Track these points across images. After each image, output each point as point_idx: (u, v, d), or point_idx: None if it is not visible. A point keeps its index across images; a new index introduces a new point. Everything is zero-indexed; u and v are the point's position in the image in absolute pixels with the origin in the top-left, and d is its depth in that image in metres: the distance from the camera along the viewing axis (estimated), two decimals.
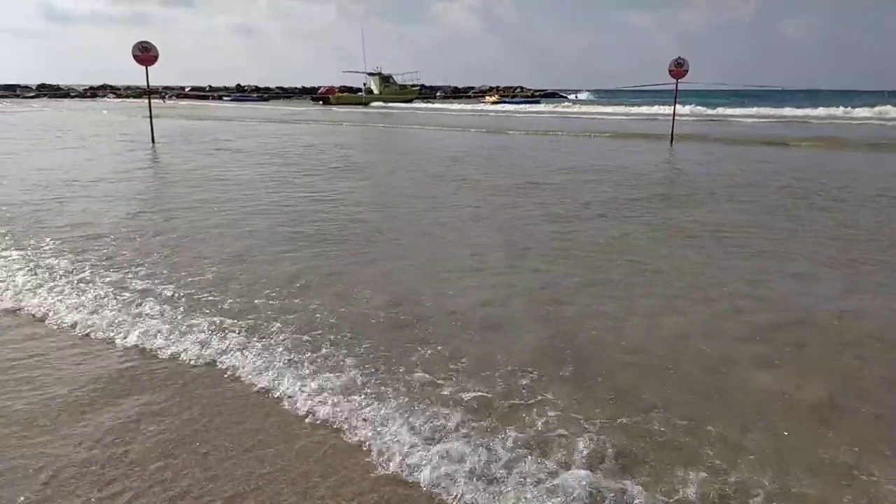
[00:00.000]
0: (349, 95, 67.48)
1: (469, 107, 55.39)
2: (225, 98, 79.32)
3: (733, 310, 4.58)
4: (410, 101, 65.39)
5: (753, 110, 40.47)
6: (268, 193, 9.61)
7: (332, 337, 4.04)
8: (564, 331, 4.18)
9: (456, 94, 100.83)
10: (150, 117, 19.34)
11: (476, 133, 24.60)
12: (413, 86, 69.05)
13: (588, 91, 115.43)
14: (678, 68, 19.70)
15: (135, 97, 79.63)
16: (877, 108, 36.86)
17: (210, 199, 8.99)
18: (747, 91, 67.57)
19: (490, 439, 2.84)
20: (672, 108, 22.79)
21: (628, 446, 2.82)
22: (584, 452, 2.76)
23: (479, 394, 3.30)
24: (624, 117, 35.42)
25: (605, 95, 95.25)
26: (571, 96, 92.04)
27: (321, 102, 66.29)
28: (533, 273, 5.48)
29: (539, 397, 3.28)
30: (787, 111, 38.34)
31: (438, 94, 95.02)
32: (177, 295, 4.80)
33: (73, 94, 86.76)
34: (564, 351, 3.86)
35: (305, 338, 4.01)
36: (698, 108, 40.94)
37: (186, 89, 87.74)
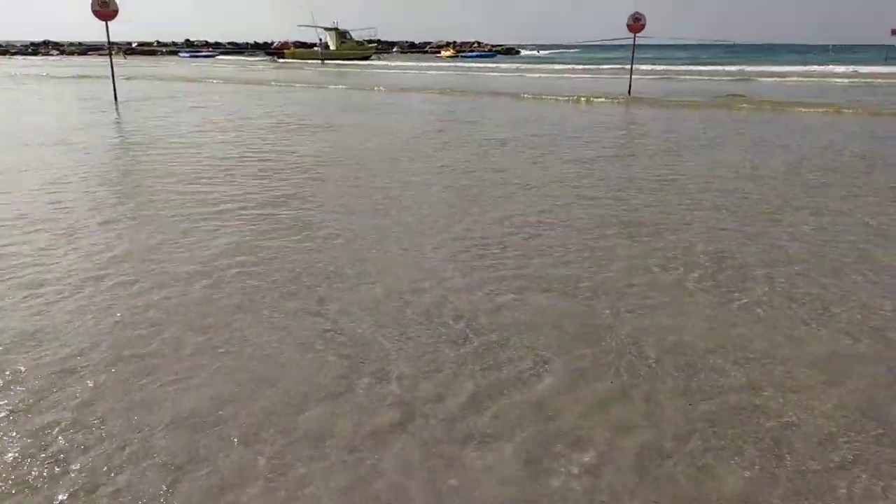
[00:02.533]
0: (304, 51, 66.43)
1: (425, 63, 55.32)
2: (182, 54, 77.24)
3: None
4: (368, 57, 64.86)
5: (711, 68, 41.66)
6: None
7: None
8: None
9: (413, 48, 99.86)
10: (113, 77, 19.24)
11: (437, 96, 24.92)
12: (370, 41, 68.28)
13: (543, 47, 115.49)
14: (636, 23, 20.27)
15: (79, 54, 76.69)
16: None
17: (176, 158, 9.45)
18: (704, 45, 69.24)
19: None
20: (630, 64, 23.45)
21: None
22: None
23: None
24: (586, 76, 36.02)
25: (566, 50, 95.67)
26: (529, 52, 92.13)
27: (275, 58, 65.33)
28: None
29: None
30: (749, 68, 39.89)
31: (395, 49, 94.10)
32: None
33: (12, 50, 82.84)
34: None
35: None
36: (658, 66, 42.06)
37: (133, 45, 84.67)
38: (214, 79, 31.74)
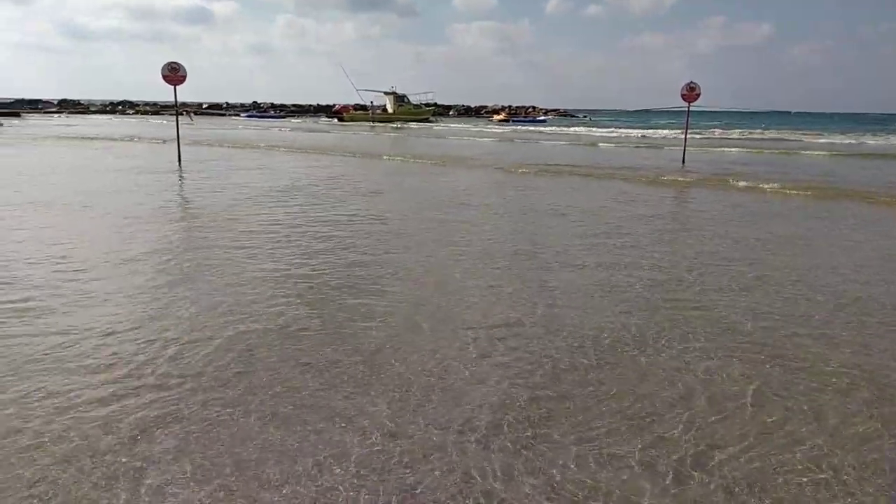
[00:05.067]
0: (363, 114, 68.81)
1: (475, 128, 55.53)
2: (242, 115, 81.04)
3: None
4: (427, 119, 66.65)
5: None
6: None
7: None
8: None
9: (468, 112, 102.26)
10: (178, 141, 19.77)
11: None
12: (427, 105, 70.26)
13: (597, 112, 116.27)
14: (690, 92, 20.08)
15: (153, 114, 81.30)
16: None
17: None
18: (759, 112, 68.71)
19: None
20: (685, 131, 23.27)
21: None
22: None
23: None
24: (634, 145, 35.71)
25: (617, 118, 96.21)
26: (582, 118, 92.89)
27: (336, 119, 68.04)
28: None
29: None
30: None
31: (451, 112, 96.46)
32: None
33: (92, 108, 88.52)
34: None
35: None
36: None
37: (204, 106, 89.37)
38: (277, 144, 32.53)
